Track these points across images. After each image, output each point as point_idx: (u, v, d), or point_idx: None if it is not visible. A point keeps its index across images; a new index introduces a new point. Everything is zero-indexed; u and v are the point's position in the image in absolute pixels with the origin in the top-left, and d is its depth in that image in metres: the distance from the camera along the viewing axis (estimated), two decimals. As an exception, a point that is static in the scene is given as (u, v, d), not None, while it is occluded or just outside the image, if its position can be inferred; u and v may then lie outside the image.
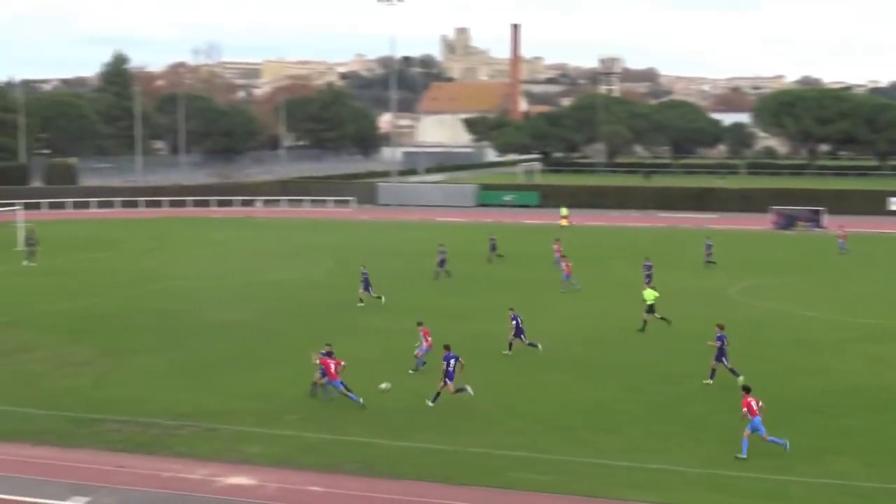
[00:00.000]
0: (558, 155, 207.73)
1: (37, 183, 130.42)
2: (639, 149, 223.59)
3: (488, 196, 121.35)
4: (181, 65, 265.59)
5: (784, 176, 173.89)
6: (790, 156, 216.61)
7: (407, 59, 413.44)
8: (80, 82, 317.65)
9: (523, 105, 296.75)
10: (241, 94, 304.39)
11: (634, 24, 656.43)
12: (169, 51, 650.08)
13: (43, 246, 71.34)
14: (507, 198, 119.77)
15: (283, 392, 35.48)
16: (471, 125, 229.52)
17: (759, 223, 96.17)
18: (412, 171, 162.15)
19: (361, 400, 33.51)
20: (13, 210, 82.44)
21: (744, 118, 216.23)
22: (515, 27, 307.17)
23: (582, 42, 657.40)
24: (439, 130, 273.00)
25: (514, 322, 41.12)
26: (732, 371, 36.79)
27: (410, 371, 38.26)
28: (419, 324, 39.92)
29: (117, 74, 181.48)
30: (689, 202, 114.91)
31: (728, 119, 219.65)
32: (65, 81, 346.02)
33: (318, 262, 69.44)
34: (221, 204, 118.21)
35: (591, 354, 41.53)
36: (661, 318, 46.49)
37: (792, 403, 34.29)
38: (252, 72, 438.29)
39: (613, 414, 33.10)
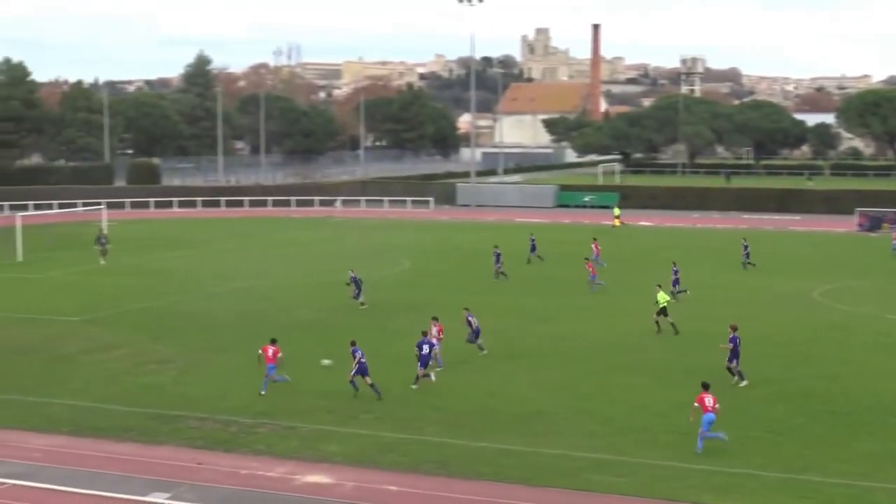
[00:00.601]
0: (638, 156, 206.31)
1: (120, 182, 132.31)
2: (720, 150, 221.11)
3: (567, 197, 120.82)
4: (262, 66, 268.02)
5: (869, 177, 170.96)
6: (875, 157, 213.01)
7: (487, 60, 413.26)
8: (163, 83, 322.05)
9: (603, 105, 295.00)
10: (321, 94, 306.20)
11: (717, 24, 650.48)
12: (250, 52, 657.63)
13: (125, 245, 72.39)
14: (587, 199, 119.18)
15: (360, 391, 35.56)
16: (550, 126, 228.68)
17: (844, 225, 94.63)
18: (491, 172, 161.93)
19: (289, 377, 35.99)
20: (98, 209, 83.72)
21: (828, 119, 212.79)
22: (596, 27, 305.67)
23: (663, 42, 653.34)
24: (519, 131, 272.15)
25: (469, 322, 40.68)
26: (738, 373, 36.73)
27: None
28: (434, 318, 40.48)
29: (199, 75, 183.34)
30: (772, 204, 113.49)
31: (812, 119, 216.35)
32: (148, 83, 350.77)
33: (396, 262, 69.63)
34: (301, 204, 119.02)
35: (668, 356, 41.15)
36: (672, 324, 45.72)
37: (876, 408, 33.71)
38: (332, 72, 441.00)
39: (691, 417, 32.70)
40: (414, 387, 35.93)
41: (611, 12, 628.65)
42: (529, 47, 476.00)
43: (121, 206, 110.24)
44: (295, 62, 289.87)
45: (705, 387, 30.50)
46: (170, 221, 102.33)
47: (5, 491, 25.96)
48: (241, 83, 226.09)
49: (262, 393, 35.21)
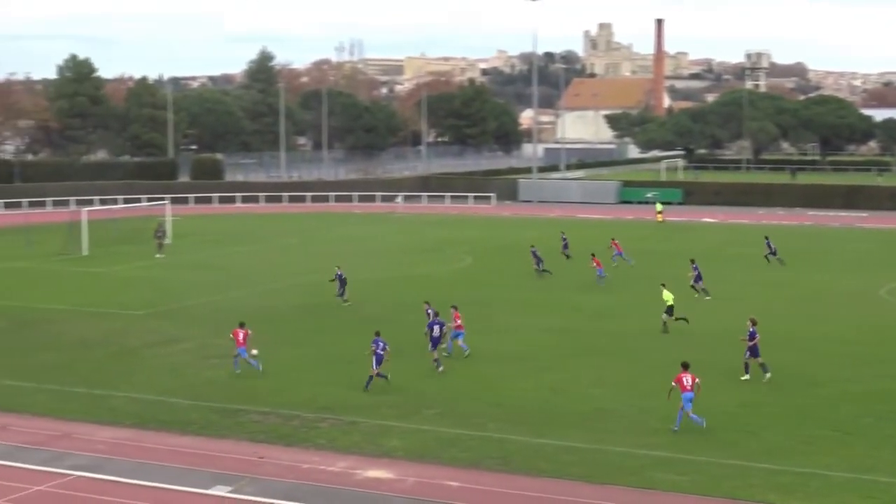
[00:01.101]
0: (702, 152, 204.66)
1: (184, 178, 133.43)
2: (785, 146, 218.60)
3: (630, 193, 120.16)
4: (325, 62, 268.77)
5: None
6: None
7: (549, 55, 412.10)
8: (226, 79, 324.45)
9: (667, 101, 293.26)
10: (383, 90, 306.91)
11: (783, 18, 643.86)
12: (313, 48, 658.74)
13: (189, 240, 72.97)
14: (650, 195, 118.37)
15: (422, 386, 35.59)
16: (613, 121, 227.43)
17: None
18: (553, 168, 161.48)
19: (261, 367, 37.09)
20: (162, 204, 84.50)
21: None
22: (659, 22, 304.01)
23: (728, 37, 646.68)
24: (581, 127, 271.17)
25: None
26: (751, 366, 36.77)
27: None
28: (454, 307, 41.25)
29: (262, 72, 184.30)
30: (839, 200, 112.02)
31: (880, 115, 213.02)
32: (212, 79, 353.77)
33: (458, 258, 69.59)
34: (363, 200, 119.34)
35: (733, 355, 40.64)
36: (678, 319, 45.31)
37: (945, 408, 33.12)
38: (394, 68, 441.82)
39: (755, 416, 32.36)
40: (439, 369, 37.57)
41: (675, 7, 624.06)
42: (592, 42, 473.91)
43: (184, 201, 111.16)
44: (357, 58, 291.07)
45: (684, 366, 31.46)
46: (232, 217, 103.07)
47: (71, 482, 26.23)
48: (304, 79, 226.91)
49: (237, 371, 37.33)
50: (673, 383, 31.26)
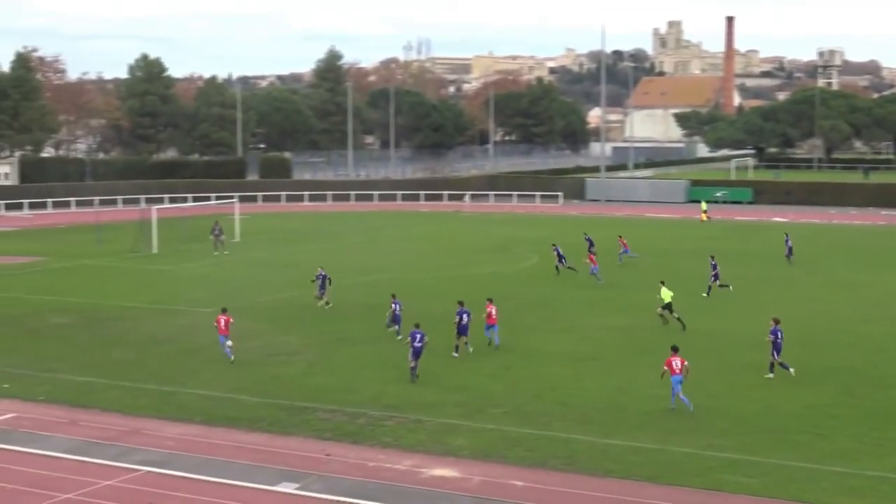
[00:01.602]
0: (772, 150, 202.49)
1: (252, 176, 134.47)
2: (858, 144, 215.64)
3: (699, 192, 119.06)
4: (393, 60, 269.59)
5: None
6: None
7: (618, 54, 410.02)
8: (294, 78, 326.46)
9: (737, 99, 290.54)
10: (451, 89, 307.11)
11: (856, 15, 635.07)
12: (381, 47, 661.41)
13: (257, 238, 73.51)
14: (719, 194, 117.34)
15: (487, 385, 35.57)
16: (682, 120, 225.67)
17: None
18: (621, 167, 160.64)
19: (233, 357, 38.73)
20: (230, 202, 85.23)
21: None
22: (730, 20, 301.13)
23: (800, 34, 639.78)
24: (649, 125, 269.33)
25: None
26: (782, 365, 36.46)
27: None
28: (489, 300, 42.48)
29: (330, 70, 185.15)
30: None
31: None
32: (280, 78, 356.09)
33: (524, 257, 69.46)
34: (430, 198, 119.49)
35: (804, 356, 40.18)
36: (678, 319, 45.14)
37: None
38: (462, 67, 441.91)
39: (825, 417, 31.94)
40: (455, 354, 39.43)
41: (745, 4, 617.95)
42: (661, 41, 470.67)
43: (253, 199, 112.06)
44: (425, 57, 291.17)
45: (674, 350, 33.31)
46: (300, 215, 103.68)
47: (140, 478, 26.52)
48: (372, 78, 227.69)
49: (232, 359, 38.86)
50: (664, 367, 32.83)
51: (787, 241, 67.50)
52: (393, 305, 43.97)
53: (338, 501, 25.05)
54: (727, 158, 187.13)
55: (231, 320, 39.58)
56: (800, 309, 50.35)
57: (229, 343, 39.30)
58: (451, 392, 34.65)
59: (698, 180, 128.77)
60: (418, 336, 36.30)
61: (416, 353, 36.19)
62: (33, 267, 65.49)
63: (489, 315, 41.63)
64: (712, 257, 56.19)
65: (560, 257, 61.29)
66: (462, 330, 39.68)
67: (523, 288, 56.61)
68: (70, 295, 54.40)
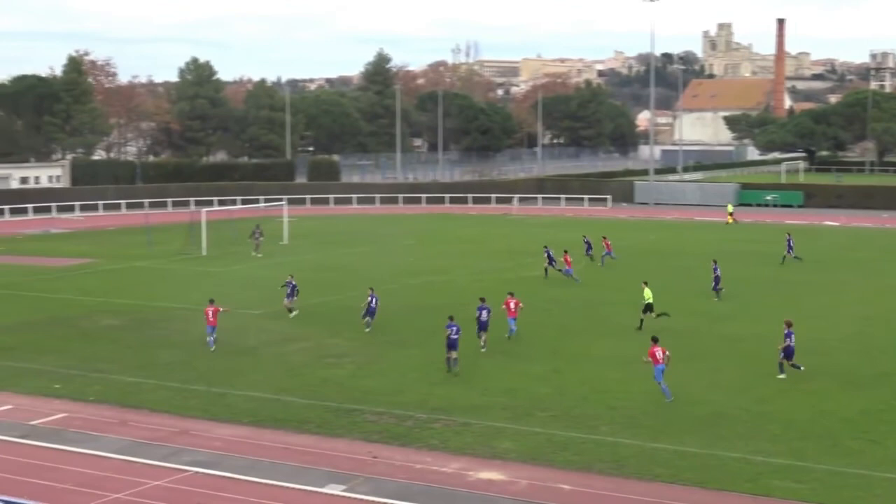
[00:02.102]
0: (824, 153, 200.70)
1: (301, 179, 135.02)
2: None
3: (749, 195, 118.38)
4: (441, 63, 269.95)
5: None
6: None
7: (667, 56, 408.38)
8: (343, 81, 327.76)
9: (787, 102, 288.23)
10: (499, 92, 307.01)
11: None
12: (429, 50, 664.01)
13: (305, 241, 73.78)
14: (769, 197, 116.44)
15: (534, 388, 35.47)
16: (732, 123, 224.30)
17: None
18: (670, 170, 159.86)
19: (214, 348, 41.24)
20: (279, 205, 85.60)
21: None
22: (781, 22, 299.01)
23: (852, 36, 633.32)
24: (699, 128, 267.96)
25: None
26: (794, 366, 36.67)
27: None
28: (509, 294, 44.54)
29: (379, 73, 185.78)
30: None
31: None
32: (329, 80, 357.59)
33: (573, 261, 69.12)
34: (478, 201, 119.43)
35: (856, 360, 39.81)
36: (659, 315, 45.50)
37: None
38: (510, 70, 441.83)
39: (879, 423, 31.55)
40: (483, 349, 40.70)
41: (796, 6, 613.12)
42: (711, 43, 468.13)
43: (301, 202, 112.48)
44: (473, 60, 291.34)
45: (654, 340, 34.42)
46: (348, 217, 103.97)
47: (188, 478, 26.66)
48: (420, 81, 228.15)
49: (212, 349, 41.35)
50: (647, 357, 34.11)
51: (788, 241, 67.80)
52: (369, 298, 45.62)
53: (384, 503, 25.07)
54: (777, 162, 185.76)
55: (220, 309, 42.15)
56: (852, 313, 49.91)
57: (213, 345, 41.63)
58: (498, 395, 34.58)
59: (748, 183, 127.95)
60: (454, 328, 37.56)
61: (452, 345, 37.54)
62: (84, 269, 66.09)
63: (508, 308, 43.57)
64: (714, 262, 55.72)
65: (550, 259, 61.23)
66: (482, 326, 41.25)
67: (571, 291, 56.43)
68: (120, 296, 54.85)
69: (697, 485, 26.19)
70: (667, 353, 33.96)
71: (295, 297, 49.54)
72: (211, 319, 41.77)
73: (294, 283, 49.95)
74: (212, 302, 42.62)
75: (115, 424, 31.49)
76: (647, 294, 46.30)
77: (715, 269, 54.74)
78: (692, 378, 36.79)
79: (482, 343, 41.18)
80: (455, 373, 37.39)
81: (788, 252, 66.99)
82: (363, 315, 45.74)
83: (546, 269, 60.98)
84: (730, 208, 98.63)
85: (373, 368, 38.68)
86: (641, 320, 45.73)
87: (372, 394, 34.82)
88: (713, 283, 54.37)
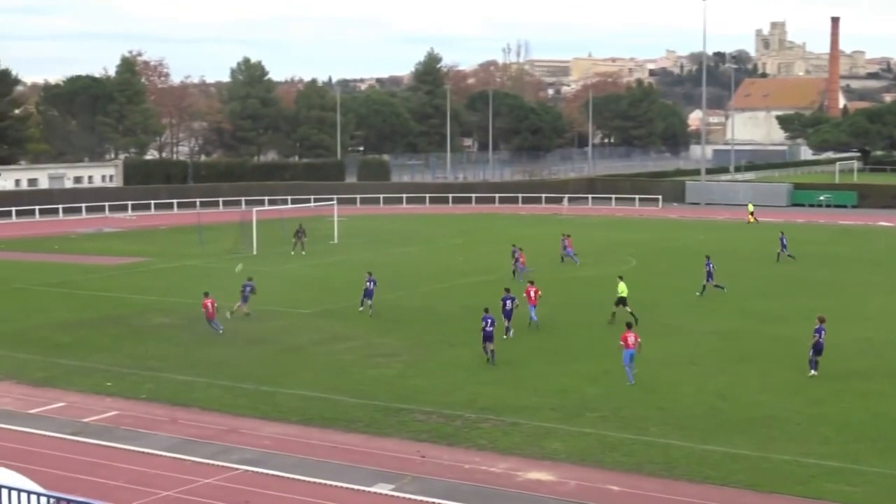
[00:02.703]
0: (879, 153, 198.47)
1: (351, 179, 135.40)
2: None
3: (802, 196, 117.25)
4: (492, 63, 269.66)
5: None
6: None
7: (719, 55, 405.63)
8: (393, 81, 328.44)
9: (842, 101, 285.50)
10: (549, 91, 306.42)
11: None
12: (480, 49, 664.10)
13: (356, 240, 73.97)
14: (823, 197, 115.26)
15: (584, 389, 35.31)
16: (784, 122, 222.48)
17: None
18: (722, 170, 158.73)
19: (221, 329, 44.21)
20: (329, 205, 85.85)
21: None
22: (835, 20, 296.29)
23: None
24: (751, 128, 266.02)
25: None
26: (810, 363, 36.71)
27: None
28: (530, 282, 47.53)
29: (429, 73, 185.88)
30: None
31: None
32: (379, 80, 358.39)
33: (623, 260, 68.90)
34: (528, 201, 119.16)
35: (910, 362, 39.30)
36: (631, 313, 45.05)
37: None
38: (561, 69, 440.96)
39: (934, 426, 31.10)
40: (505, 336, 42.24)
41: (851, 4, 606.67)
42: (764, 42, 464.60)
43: (352, 201, 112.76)
44: (524, 59, 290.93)
45: (628, 326, 37.79)
46: (398, 217, 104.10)
47: (237, 476, 26.77)
48: (471, 80, 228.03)
49: (220, 331, 44.10)
50: (620, 342, 36.22)
51: (781, 239, 68.11)
52: (367, 282, 49.33)
53: (432, 503, 25.03)
54: (831, 161, 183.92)
55: (216, 303, 44.69)
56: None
57: (220, 328, 44.54)
58: (548, 395, 34.45)
59: (801, 183, 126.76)
60: (490, 320, 38.89)
61: (488, 337, 38.88)
62: (137, 267, 66.63)
63: (529, 296, 45.68)
64: (707, 257, 56.06)
65: (516, 260, 61.28)
66: (507, 315, 43.06)
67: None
68: (172, 295, 55.21)
69: (748, 487, 25.94)
70: (638, 339, 36.04)
71: (247, 300, 48.43)
72: (211, 312, 44.26)
73: (253, 284, 48.94)
74: (207, 295, 44.82)
75: (166, 422, 31.69)
76: (622, 288, 47.40)
77: (707, 265, 55.20)
78: (743, 380, 36.48)
79: (510, 330, 43.11)
80: (493, 364, 38.29)
81: (782, 250, 67.38)
82: (362, 298, 49.15)
83: (514, 271, 60.61)
84: (750, 207, 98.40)
85: (421, 368, 38.67)
86: (613, 313, 46.46)
87: (421, 393, 34.79)
88: (706, 278, 54.88)
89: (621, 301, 46.90)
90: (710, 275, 54.81)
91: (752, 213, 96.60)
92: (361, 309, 49.05)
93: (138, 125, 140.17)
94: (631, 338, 35.96)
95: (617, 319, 45.27)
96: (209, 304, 44.24)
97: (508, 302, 43.19)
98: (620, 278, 48.32)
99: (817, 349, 36.66)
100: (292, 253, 71.89)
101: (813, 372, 36.55)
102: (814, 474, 26.78)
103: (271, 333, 45.11)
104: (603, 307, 50.87)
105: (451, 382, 36.32)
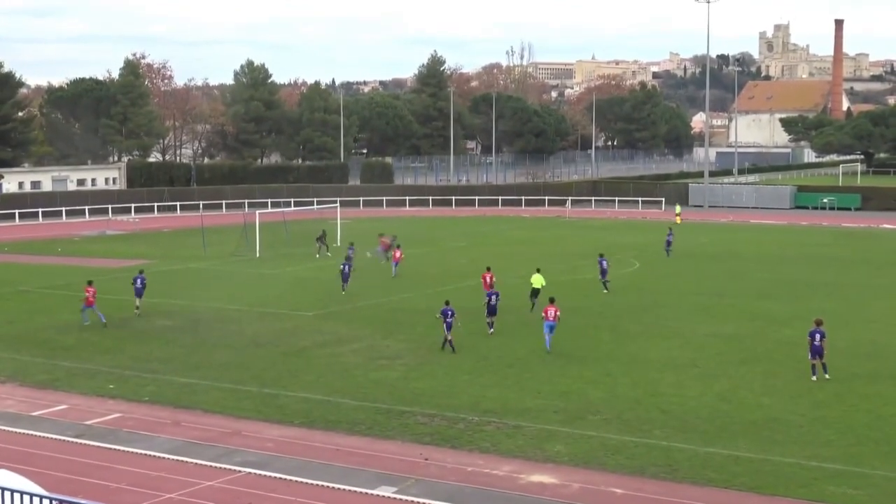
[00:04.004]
0: (882, 156, 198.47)
1: (354, 181, 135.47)
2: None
3: (805, 198, 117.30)
4: (495, 66, 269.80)
5: None
6: None
7: (723, 58, 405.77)
8: (397, 84, 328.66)
9: (845, 104, 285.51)
10: (553, 94, 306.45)
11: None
12: (484, 52, 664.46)
13: (359, 243, 73.78)
14: (826, 200, 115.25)
15: (587, 391, 35.28)
16: (788, 125, 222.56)
17: None
18: (726, 172, 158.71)
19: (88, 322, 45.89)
20: (332, 207, 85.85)
21: None
22: (839, 23, 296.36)
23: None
24: (755, 130, 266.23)
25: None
26: (813, 368, 36.62)
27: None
28: (487, 267, 53.28)
29: (433, 76, 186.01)
30: None
31: None
32: (382, 83, 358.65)
33: (626, 263, 68.89)
34: (531, 204, 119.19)
35: (913, 365, 39.24)
36: (533, 307, 49.00)
37: None
38: (564, 72, 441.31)
39: (938, 429, 31.05)
40: (491, 331, 44.31)
41: (855, 6, 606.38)
42: (768, 44, 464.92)
43: (355, 204, 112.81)
44: (527, 62, 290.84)
45: (551, 301, 41.67)
46: (401, 220, 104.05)
47: (240, 479, 26.75)
48: (474, 83, 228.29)
49: (86, 323, 46.20)
50: (542, 314, 41.14)
51: (668, 236, 72.08)
52: (342, 266, 56.09)
53: (435, 506, 25.03)
54: (835, 164, 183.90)
55: (95, 291, 46.66)
56: (909, 317, 49.28)
57: (103, 318, 46.37)
58: (550, 398, 34.42)
59: (804, 186, 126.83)
60: (450, 312, 41.37)
61: (492, 311, 44.24)
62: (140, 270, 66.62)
63: (485, 281, 51.32)
64: (601, 255, 58.51)
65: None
66: (491, 310, 44.73)
67: (625, 294, 56.14)
68: (175, 297, 55.25)
69: (751, 490, 25.91)
70: (558, 313, 40.88)
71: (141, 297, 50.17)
72: (90, 299, 46.25)
73: (144, 278, 50.74)
74: (90, 283, 47.34)
75: (169, 425, 31.68)
76: (537, 280, 50.33)
77: (601, 262, 57.33)
78: (746, 382, 36.44)
79: (493, 325, 44.72)
80: (454, 352, 40.67)
81: (667, 247, 71.11)
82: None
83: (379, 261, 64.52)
84: (678, 209, 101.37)
85: (424, 370, 38.64)
86: (533, 304, 49.51)
87: (424, 396, 34.77)
88: (599, 275, 56.93)
89: (535, 293, 49.97)
90: (604, 272, 56.68)
91: (678, 215, 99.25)
92: (344, 293, 55.20)
93: (142, 128, 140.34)
94: (551, 311, 40.73)
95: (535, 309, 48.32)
96: (90, 293, 46.46)
97: (493, 297, 44.80)
98: (538, 270, 51.34)
99: (817, 352, 36.53)
100: (317, 256, 72.24)
101: (814, 378, 36.43)
102: (817, 477, 26.74)
103: (274, 336, 45.09)
104: (606, 311, 50.95)
105: (454, 385, 36.30)
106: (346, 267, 55.61)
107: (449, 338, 41.06)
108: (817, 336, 36.56)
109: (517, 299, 51.29)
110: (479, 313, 46.18)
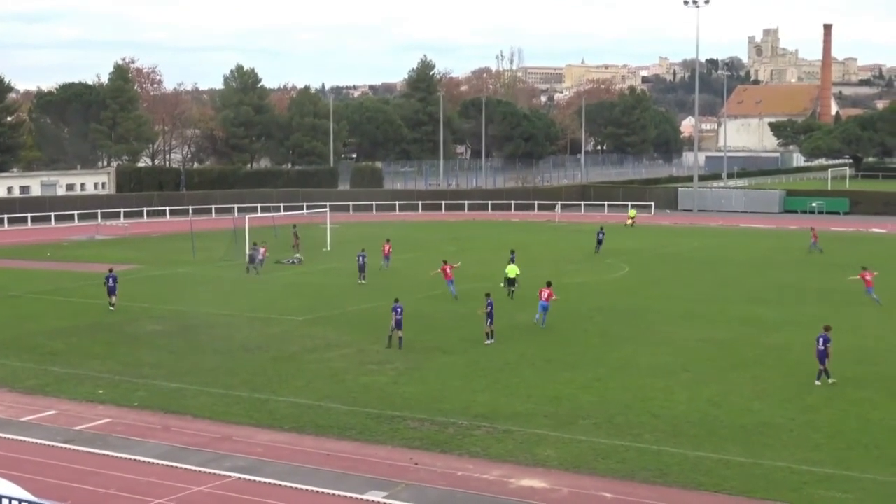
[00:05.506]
0: (871, 160, 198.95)
1: (344, 186, 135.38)
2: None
3: (794, 202, 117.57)
4: (485, 70, 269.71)
5: None
6: None
7: (712, 62, 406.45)
8: (387, 88, 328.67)
9: (834, 108, 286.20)
10: (542, 98, 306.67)
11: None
12: (473, 57, 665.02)
13: (348, 247, 73.97)
14: (815, 204, 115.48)
15: (578, 396, 35.30)
16: (777, 129, 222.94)
17: None
18: (715, 177, 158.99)
19: None
20: (322, 212, 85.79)
21: None
22: (827, 28, 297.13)
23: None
24: (744, 135, 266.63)
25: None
26: (822, 373, 36.57)
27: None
28: (444, 261, 57.38)
29: (422, 81, 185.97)
30: None
31: None
32: (372, 88, 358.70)
33: (615, 267, 68.97)
34: (520, 208, 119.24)
35: (902, 369, 39.32)
36: (510, 294, 53.88)
37: None
38: (554, 76, 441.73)
39: (926, 433, 31.11)
40: (487, 342, 43.79)
41: (844, 11, 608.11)
42: (757, 49, 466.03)
43: (344, 209, 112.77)
44: (517, 67, 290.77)
45: (548, 284, 46.24)
46: (391, 224, 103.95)
47: (230, 484, 26.73)
48: (464, 88, 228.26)
49: None
50: (537, 293, 45.38)
51: (599, 234, 76.20)
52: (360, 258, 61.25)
53: (426, 511, 25.01)
54: (823, 168, 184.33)
55: None
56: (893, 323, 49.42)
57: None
58: (541, 403, 34.43)
59: (793, 190, 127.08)
60: (399, 309, 42.77)
61: (398, 325, 42.98)
62: (129, 275, 66.42)
63: (445, 273, 54.98)
64: (512, 251, 62.87)
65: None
66: (490, 317, 44.43)
67: (615, 298, 56.19)
68: (164, 302, 55.19)
69: (741, 494, 25.95)
70: (553, 296, 45.19)
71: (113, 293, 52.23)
72: None
73: (115, 276, 52.59)
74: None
75: (158, 430, 31.63)
76: (511, 270, 55.14)
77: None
78: (736, 387, 36.49)
79: (487, 333, 44.55)
80: (400, 349, 42.05)
81: (598, 246, 75.16)
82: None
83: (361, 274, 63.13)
84: (632, 213, 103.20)
85: (414, 375, 38.62)
86: (512, 291, 54.43)
87: (413, 400, 34.77)
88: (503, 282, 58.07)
89: (510, 282, 54.41)
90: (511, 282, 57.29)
91: (632, 218, 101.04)
92: (362, 281, 60.96)
93: (131, 132, 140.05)
94: (545, 293, 45.13)
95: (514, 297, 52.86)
96: None
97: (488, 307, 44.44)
98: (512, 261, 57.20)
99: (820, 357, 36.56)
100: (297, 255, 73.08)
101: (817, 382, 36.42)
102: (806, 481, 26.80)
103: (264, 341, 45.05)
104: (597, 315, 50.97)
105: (444, 389, 36.30)
106: (361, 277, 61.44)
107: (398, 334, 42.75)
108: (820, 340, 36.60)
109: (508, 303, 51.30)
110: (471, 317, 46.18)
